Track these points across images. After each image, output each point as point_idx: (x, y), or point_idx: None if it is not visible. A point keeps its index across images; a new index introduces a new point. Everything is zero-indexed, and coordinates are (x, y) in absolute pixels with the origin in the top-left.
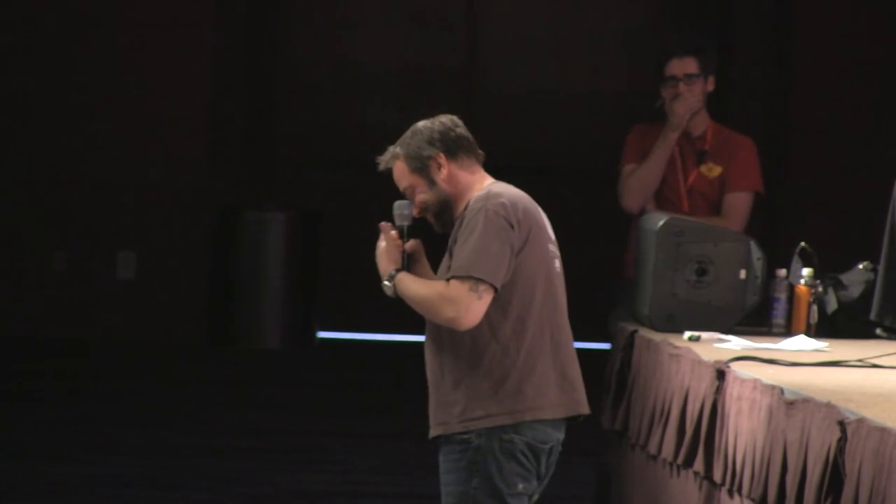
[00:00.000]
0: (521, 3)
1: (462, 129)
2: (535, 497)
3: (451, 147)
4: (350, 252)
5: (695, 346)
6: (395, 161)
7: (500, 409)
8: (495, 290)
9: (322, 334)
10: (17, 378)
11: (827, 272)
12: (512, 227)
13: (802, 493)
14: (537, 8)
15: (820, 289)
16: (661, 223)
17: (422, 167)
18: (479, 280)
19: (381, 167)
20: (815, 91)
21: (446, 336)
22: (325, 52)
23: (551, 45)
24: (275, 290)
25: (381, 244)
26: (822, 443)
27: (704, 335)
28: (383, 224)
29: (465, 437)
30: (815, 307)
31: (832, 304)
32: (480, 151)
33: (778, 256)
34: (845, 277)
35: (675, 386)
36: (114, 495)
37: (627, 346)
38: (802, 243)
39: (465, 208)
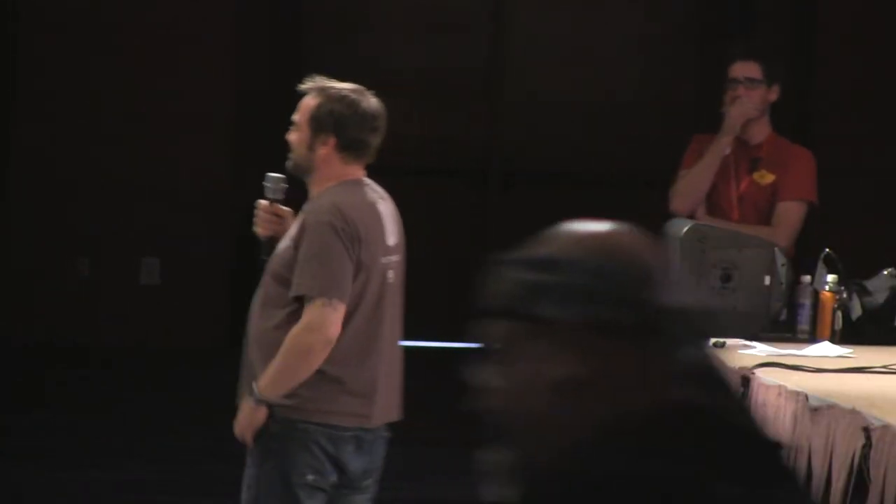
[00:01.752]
0: (546, 7)
1: (371, 129)
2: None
3: (347, 142)
4: None
5: (720, 353)
6: (313, 98)
7: (297, 404)
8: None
9: None
10: (40, 384)
11: (851, 278)
12: (350, 239)
13: (827, 499)
14: (563, 12)
15: (844, 295)
16: (684, 229)
17: (316, 129)
18: (328, 294)
19: (304, 88)
20: (838, 98)
21: (270, 320)
22: (350, 57)
23: (576, 50)
24: None
25: (257, 211)
26: (846, 449)
27: (729, 341)
28: (259, 201)
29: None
30: (839, 313)
31: (857, 311)
32: (370, 156)
33: (803, 263)
34: (870, 283)
35: None
36: (139, 501)
37: None
38: (827, 249)
39: (305, 218)
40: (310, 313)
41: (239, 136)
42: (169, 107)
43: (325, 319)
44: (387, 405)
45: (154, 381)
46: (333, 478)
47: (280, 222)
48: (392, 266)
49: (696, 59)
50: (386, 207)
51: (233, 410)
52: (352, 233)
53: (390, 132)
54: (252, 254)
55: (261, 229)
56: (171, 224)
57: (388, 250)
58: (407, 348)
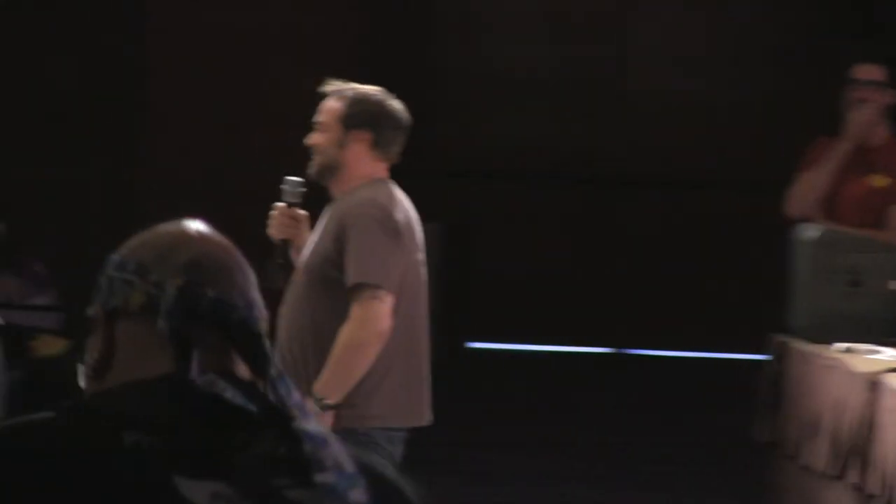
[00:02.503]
0: (670, 10)
1: (401, 129)
2: None
3: (381, 140)
4: (500, 263)
5: (848, 358)
6: (338, 99)
7: (352, 411)
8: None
9: (471, 344)
10: None
11: None
12: (394, 233)
13: None
14: (687, 15)
15: None
16: (814, 234)
17: (348, 125)
18: (376, 286)
19: (326, 89)
20: None
21: (321, 322)
22: (477, 63)
23: (701, 53)
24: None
25: (273, 214)
26: None
27: (857, 346)
28: (277, 204)
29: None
30: None
31: None
32: (395, 157)
33: None
34: None
35: (828, 397)
36: None
37: (780, 358)
38: None
39: (345, 214)
40: (359, 308)
41: None
42: (292, 109)
43: (376, 312)
44: (427, 406)
45: None
46: None
47: (296, 226)
48: (423, 264)
49: (814, 63)
50: (411, 206)
51: None
52: (394, 226)
53: (517, 139)
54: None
55: (276, 232)
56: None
57: (420, 247)
58: (556, 354)
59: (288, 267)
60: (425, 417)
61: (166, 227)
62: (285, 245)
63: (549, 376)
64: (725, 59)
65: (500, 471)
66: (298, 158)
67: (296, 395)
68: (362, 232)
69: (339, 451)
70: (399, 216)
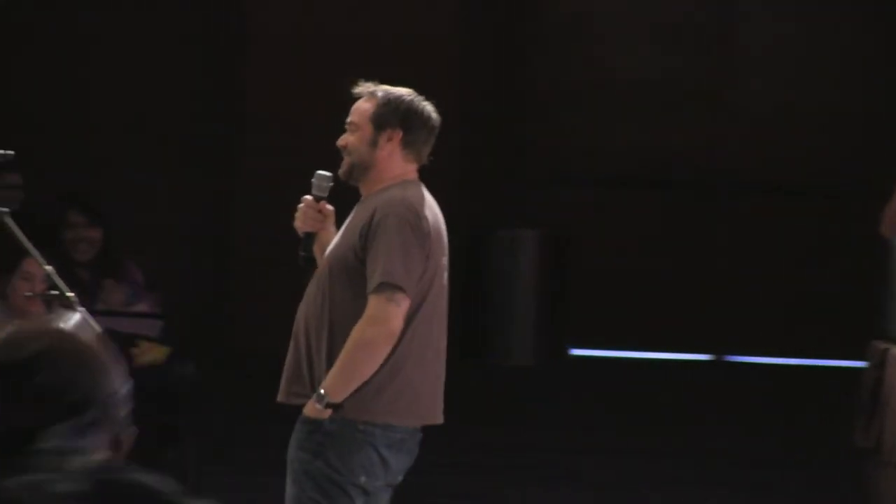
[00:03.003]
0: (773, 19)
1: (431, 130)
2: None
3: (411, 140)
4: (601, 269)
5: None
6: (369, 100)
7: (356, 404)
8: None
9: (574, 351)
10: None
11: None
12: (422, 235)
13: None
14: (789, 24)
15: None
16: None
17: (380, 125)
18: (397, 288)
19: (357, 91)
20: None
21: (337, 318)
22: (576, 70)
23: (803, 62)
24: (527, 306)
25: (300, 207)
26: None
27: None
28: (305, 197)
29: (316, 420)
30: None
31: None
32: (426, 158)
33: None
34: None
35: None
36: None
37: (880, 364)
38: None
39: (375, 210)
40: (373, 306)
41: (464, 149)
42: None
43: (388, 313)
44: (437, 407)
45: None
46: (380, 482)
47: (322, 220)
48: (446, 268)
49: None
50: (438, 209)
51: (461, 418)
52: (424, 229)
53: (616, 146)
54: (479, 265)
55: (302, 224)
56: None
57: (445, 251)
58: (659, 362)
59: (311, 260)
60: (432, 419)
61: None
62: (310, 238)
63: (650, 383)
64: (827, 68)
65: (598, 476)
66: None
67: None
68: (391, 232)
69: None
70: (428, 219)
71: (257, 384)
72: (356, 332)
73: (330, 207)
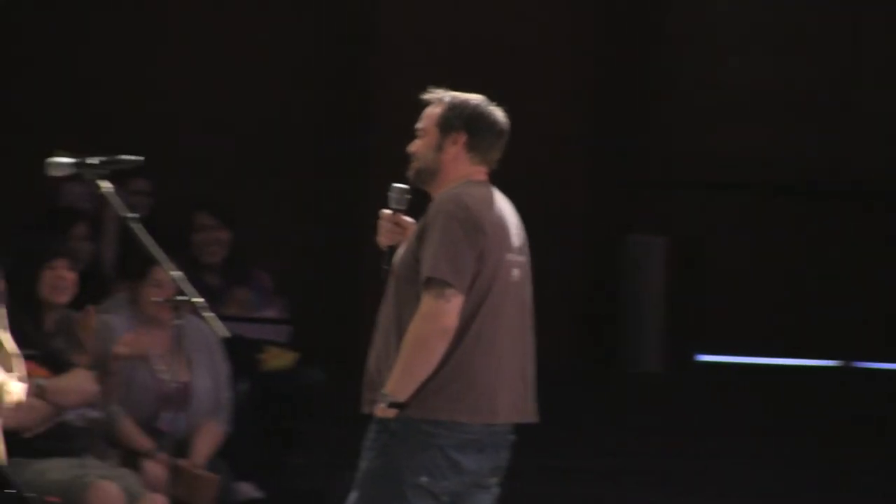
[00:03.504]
0: None
1: (497, 133)
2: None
3: (476, 143)
4: (730, 275)
5: None
6: (437, 105)
7: (421, 403)
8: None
9: (701, 357)
10: None
11: None
12: (474, 230)
13: None
14: None
15: None
16: None
17: (445, 128)
18: (445, 283)
19: (427, 97)
20: None
21: (406, 321)
22: (707, 75)
23: None
24: (655, 313)
25: (380, 221)
26: None
27: None
28: (383, 211)
29: (383, 420)
30: None
31: None
32: (494, 162)
33: None
34: None
35: None
36: None
37: None
38: None
39: (429, 210)
40: (425, 303)
41: (595, 153)
42: (525, 126)
43: (440, 309)
44: (514, 405)
45: None
46: (446, 482)
47: (401, 232)
48: (517, 265)
49: None
50: (509, 208)
51: (597, 426)
52: (474, 223)
53: (746, 152)
54: (607, 271)
55: (383, 239)
56: (528, 241)
57: (512, 248)
58: (789, 368)
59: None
60: (513, 416)
61: None
62: (392, 251)
63: (779, 389)
64: None
65: (725, 482)
66: (527, 170)
67: None
68: (440, 228)
69: None
70: (483, 215)
71: None
72: (410, 330)
73: (408, 219)
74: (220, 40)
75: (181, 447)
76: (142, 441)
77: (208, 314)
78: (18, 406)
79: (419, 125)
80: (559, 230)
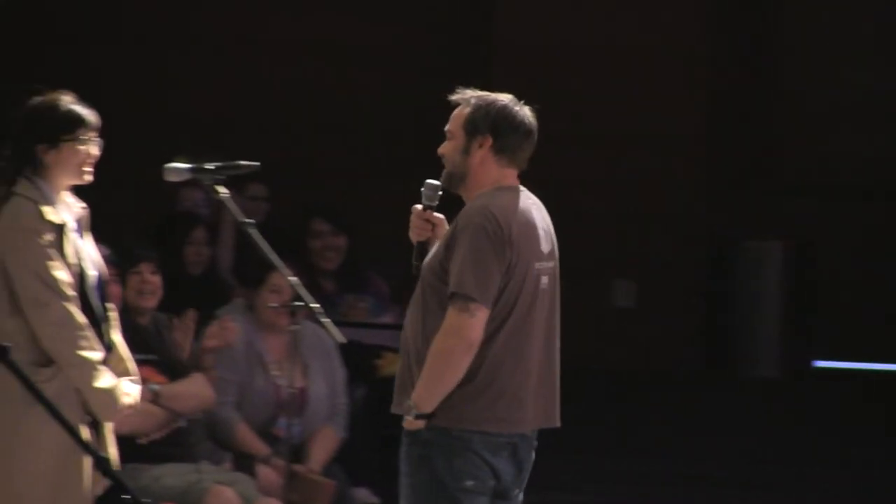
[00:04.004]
0: None
1: (525, 134)
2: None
3: (503, 145)
4: (847, 280)
5: None
6: (465, 106)
7: (450, 412)
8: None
9: (818, 363)
10: None
11: None
12: (501, 243)
13: None
14: None
15: None
16: None
17: (471, 131)
18: (469, 298)
19: (454, 98)
20: None
21: (430, 330)
22: (824, 80)
23: None
24: (771, 318)
25: (411, 217)
26: None
27: None
28: (414, 207)
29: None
30: None
31: None
32: (523, 163)
33: None
34: None
35: None
36: None
37: None
38: None
39: (458, 220)
40: (450, 317)
41: (712, 159)
42: (644, 130)
43: (464, 323)
44: (540, 412)
45: (623, 403)
46: (492, 483)
47: (431, 229)
48: (545, 272)
49: None
50: (539, 214)
51: (705, 432)
52: (503, 236)
53: (862, 157)
54: (723, 277)
55: (413, 235)
56: (645, 247)
57: (541, 256)
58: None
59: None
60: (539, 423)
61: None
62: (422, 248)
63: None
64: None
65: (847, 489)
66: (644, 174)
67: None
68: (468, 241)
69: None
70: (511, 226)
71: None
72: (435, 343)
73: (439, 216)
74: (347, 45)
75: (297, 452)
76: (258, 446)
77: (325, 320)
78: (133, 409)
79: (447, 127)
80: (676, 236)
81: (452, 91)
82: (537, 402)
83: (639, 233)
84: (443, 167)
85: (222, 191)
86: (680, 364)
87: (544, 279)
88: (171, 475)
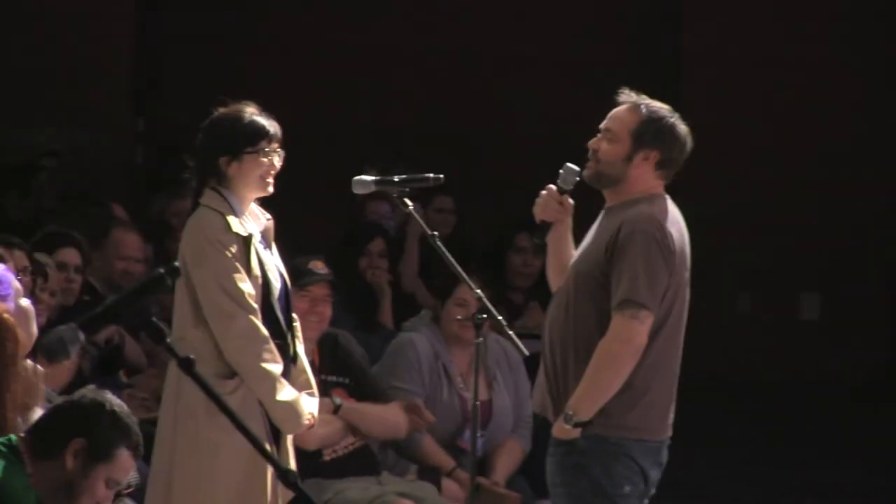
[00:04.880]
0: None
1: (685, 152)
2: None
3: (666, 161)
4: None
5: None
6: (633, 112)
7: (606, 420)
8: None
9: None
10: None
11: None
12: (669, 252)
13: None
14: None
15: None
16: None
17: (639, 142)
18: (641, 306)
19: (621, 97)
20: None
21: (582, 333)
22: None
23: None
24: None
25: (542, 194)
26: None
27: None
28: (549, 186)
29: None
30: None
31: None
32: (672, 176)
33: None
34: None
35: None
36: None
37: None
38: None
39: (622, 225)
40: (618, 323)
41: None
42: (824, 142)
43: (633, 330)
44: (672, 420)
45: (806, 416)
46: (643, 487)
47: (561, 211)
48: (687, 283)
49: None
50: (683, 222)
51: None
52: (669, 245)
53: None
54: None
55: (540, 212)
56: (832, 259)
57: (688, 267)
58: None
59: (543, 248)
60: (669, 431)
61: None
62: (546, 227)
63: None
64: None
65: None
66: (831, 181)
67: None
68: (637, 248)
69: None
70: (673, 234)
71: None
72: (601, 349)
73: (571, 201)
74: (522, 57)
75: (482, 465)
76: (443, 458)
77: (511, 332)
78: (313, 424)
79: (607, 124)
80: (869, 250)
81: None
82: (672, 410)
83: (829, 243)
84: (587, 159)
85: (409, 203)
86: (866, 378)
87: (687, 290)
88: (354, 488)
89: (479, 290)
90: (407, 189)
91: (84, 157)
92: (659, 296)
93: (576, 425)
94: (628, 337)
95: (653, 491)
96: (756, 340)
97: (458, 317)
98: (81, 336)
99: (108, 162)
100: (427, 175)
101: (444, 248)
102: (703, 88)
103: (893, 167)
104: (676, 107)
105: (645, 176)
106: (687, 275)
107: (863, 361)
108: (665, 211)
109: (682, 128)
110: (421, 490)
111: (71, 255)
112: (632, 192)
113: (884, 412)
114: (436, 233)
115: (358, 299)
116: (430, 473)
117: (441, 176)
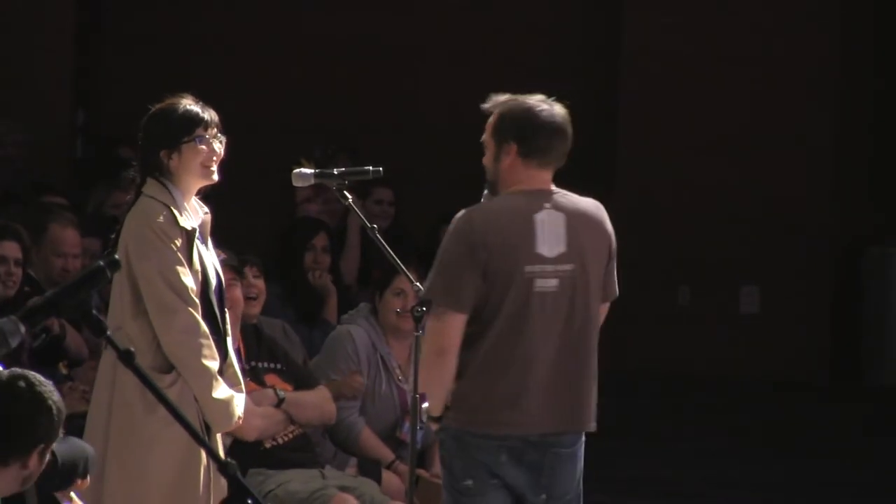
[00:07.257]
0: None
1: (550, 134)
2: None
3: (528, 149)
4: None
5: None
6: (494, 115)
7: (448, 413)
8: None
9: None
10: (639, 413)
11: None
12: (472, 245)
13: None
14: None
15: None
16: None
17: (498, 140)
18: (437, 304)
19: (485, 107)
20: None
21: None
22: None
23: None
24: None
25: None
26: None
27: None
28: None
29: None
30: None
31: None
32: (556, 161)
33: None
34: None
35: None
36: None
37: None
38: None
39: None
40: (427, 324)
41: (840, 164)
42: (770, 132)
43: (433, 329)
44: (553, 415)
45: (744, 411)
46: (494, 482)
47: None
48: (553, 275)
49: None
50: (552, 217)
51: (830, 441)
52: (475, 241)
53: None
54: (850, 283)
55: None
56: (771, 252)
57: (542, 259)
58: None
59: None
60: (547, 427)
61: None
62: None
63: None
64: None
65: None
66: (772, 181)
67: None
68: (442, 246)
69: None
70: (489, 231)
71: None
72: (423, 352)
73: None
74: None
75: (422, 457)
76: (383, 451)
77: None
78: (241, 422)
79: (482, 138)
80: (803, 240)
81: (586, 99)
82: (547, 406)
83: (764, 237)
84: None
85: (348, 196)
86: (804, 373)
87: (551, 282)
88: (296, 481)
89: (418, 284)
90: (346, 182)
91: (24, 149)
92: (461, 293)
93: (430, 419)
94: (429, 335)
95: (542, 495)
96: (696, 333)
97: (398, 309)
98: (22, 328)
99: (49, 155)
100: (366, 168)
101: (382, 240)
102: (642, 82)
103: (834, 160)
104: (617, 101)
105: (515, 169)
106: (546, 268)
107: (803, 355)
108: (500, 206)
109: (543, 111)
110: (363, 485)
111: (11, 248)
112: (508, 190)
113: (823, 405)
114: (375, 225)
115: (301, 294)
116: (371, 466)
117: (380, 168)
